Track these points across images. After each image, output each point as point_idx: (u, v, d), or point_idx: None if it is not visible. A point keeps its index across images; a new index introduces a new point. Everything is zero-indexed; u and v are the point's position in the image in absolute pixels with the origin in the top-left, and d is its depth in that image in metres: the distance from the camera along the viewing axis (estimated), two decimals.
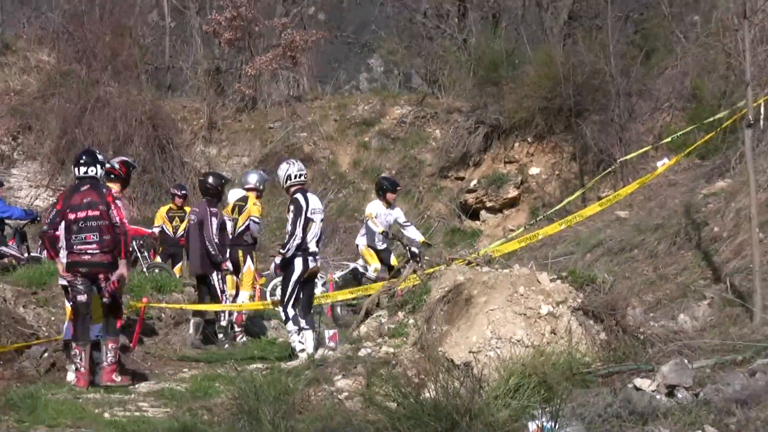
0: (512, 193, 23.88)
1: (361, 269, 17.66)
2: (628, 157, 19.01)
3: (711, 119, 17.10)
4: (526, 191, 23.81)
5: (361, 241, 17.81)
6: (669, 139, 18.35)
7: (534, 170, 23.90)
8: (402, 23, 33.67)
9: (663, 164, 17.17)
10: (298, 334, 12.67)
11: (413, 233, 17.54)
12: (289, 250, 12.74)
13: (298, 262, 12.75)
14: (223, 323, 15.34)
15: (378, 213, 17.36)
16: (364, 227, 17.88)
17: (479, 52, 26.83)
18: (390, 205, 17.59)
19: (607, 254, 14.97)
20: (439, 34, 30.86)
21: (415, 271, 12.62)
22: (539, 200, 23.15)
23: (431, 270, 12.62)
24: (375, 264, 17.56)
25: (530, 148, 24.13)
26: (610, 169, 19.53)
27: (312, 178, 25.33)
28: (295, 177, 13.03)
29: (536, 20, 28.86)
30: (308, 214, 12.74)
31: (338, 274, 18.72)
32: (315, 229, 12.85)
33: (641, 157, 19.38)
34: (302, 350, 12.47)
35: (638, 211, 16.66)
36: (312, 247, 12.84)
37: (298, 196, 12.89)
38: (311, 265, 12.83)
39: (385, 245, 17.55)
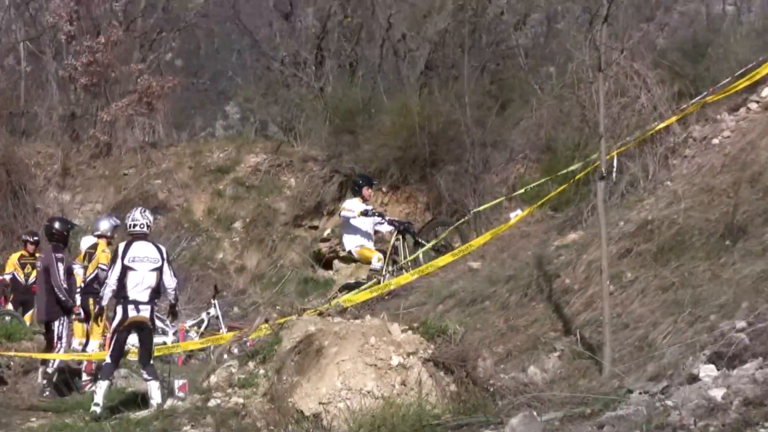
0: None
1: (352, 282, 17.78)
2: (481, 207, 19.05)
3: (565, 171, 17.17)
4: (379, 241, 23.71)
5: (349, 244, 17.89)
6: (522, 190, 18.41)
7: None
8: (259, 71, 33.61)
9: (516, 215, 17.21)
10: (94, 383, 12.78)
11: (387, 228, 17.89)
12: (101, 298, 12.98)
13: (119, 310, 12.61)
14: (50, 370, 15.03)
15: (353, 207, 17.69)
16: (345, 231, 17.97)
17: (336, 100, 26.78)
18: (366, 201, 17.82)
19: (459, 305, 14.84)
20: (296, 82, 30.72)
21: (266, 321, 12.41)
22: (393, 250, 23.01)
23: (283, 320, 12.40)
24: (377, 254, 17.71)
25: (385, 198, 24.02)
26: (463, 220, 19.46)
27: (165, 226, 24.98)
28: (129, 227, 12.96)
29: (393, 70, 28.92)
30: (126, 262, 12.58)
31: (189, 322, 18.37)
32: (137, 278, 12.61)
33: (495, 207, 19.40)
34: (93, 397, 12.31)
35: (491, 262, 16.59)
36: (133, 295, 12.59)
37: (120, 244, 12.91)
38: (131, 314, 12.57)
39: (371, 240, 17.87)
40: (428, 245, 17.84)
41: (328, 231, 24.32)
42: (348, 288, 18.23)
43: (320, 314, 11.74)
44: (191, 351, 17.30)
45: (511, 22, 28.16)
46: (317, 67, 30.86)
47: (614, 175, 15.61)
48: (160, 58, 35.19)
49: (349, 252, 18.20)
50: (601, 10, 10.59)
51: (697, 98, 16.74)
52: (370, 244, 18.02)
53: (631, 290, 12.20)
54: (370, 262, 17.74)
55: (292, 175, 26.96)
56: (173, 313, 14.04)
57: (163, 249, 13.18)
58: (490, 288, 14.74)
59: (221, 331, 18.25)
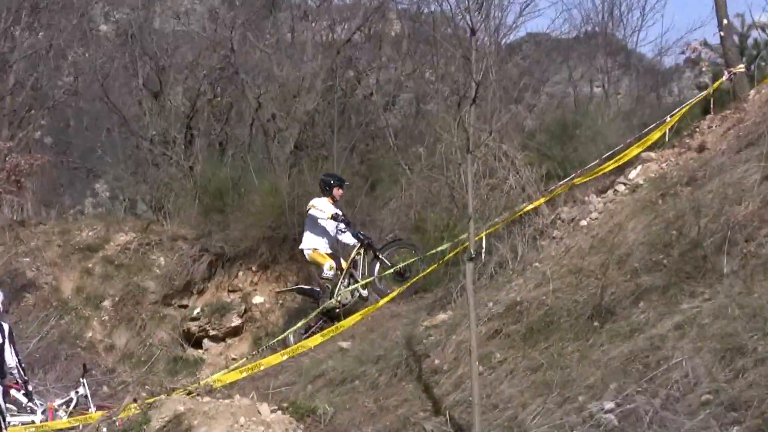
0: (236, 322, 23.43)
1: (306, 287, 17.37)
2: (351, 287, 18.91)
3: (434, 251, 17.23)
4: (249, 320, 23.45)
5: (306, 243, 17.83)
6: (391, 270, 18.34)
7: (258, 299, 23.56)
8: (128, 149, 33.18)
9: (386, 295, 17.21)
10: None
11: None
12: None
13: None
14: None
15: (323, 206, 17.52)
16: (308, 229, 17.69)
17: (205, 179, 26.56)
18: (336, 202, 17.74)
19: (329, 385, 14.69)
20: (165, 160, 30.41)
21: (135, 400, 12.18)
22: (262, 329, 22.79)
23: (152, 399, 12.16)
24: (329, 262, 17.54)
25: (254, 277, 23.82)
26: (370, 279, 19.35)
27: (34, 304, 24.33)
28: None
29: (263, 149, 28.84)
30: None
31: (58, 401, 17.88)
32: None
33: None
34: None
35: (361, 341, 16.48)
36: None
37: None
38: None
39: (330, 247, 17.79)
40: (392, 269, 17.86)
41: (197, 310, 23.96)
42: (301, 292, 18.08)
43: (189, 394, 11.56)
44: (60, 430, 16.79)
45: (380, 103, 28.36)
46: (187, 146, 30.65)
47: (483, 256, 15.66)
48: (29, 136, 34.60)
49: (302, 251, 18.10)
50: (470, 91, 10.63)
51: (565, 180, 16.97)
52: (326, 250, 17.87)
53: (500, 371, 12.16)
54: (321, 268, 17.55)
55: (161, 253, 26.56)
56: (26, 392, 13.62)
57: (6, 326, 12.81)
58: (360, 368, 14.61)
59: (90, 410, 17.75)
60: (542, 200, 16.29)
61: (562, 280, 13.28)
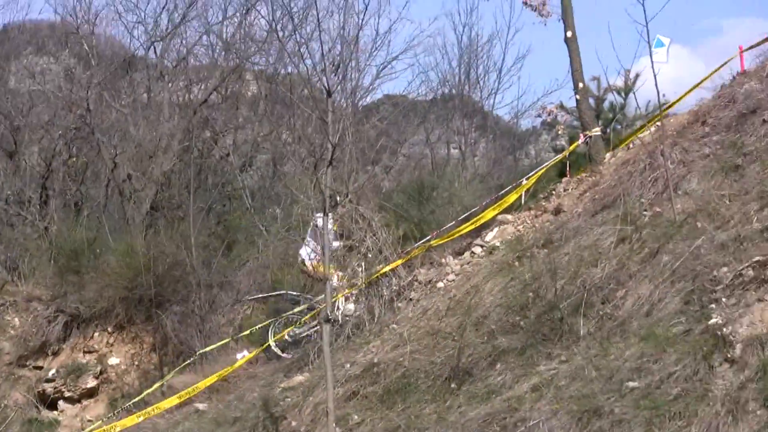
0: (91, 383, 22.82)
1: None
2: (207, 349, 18.68)
3: (290, 312, 17.11)
4: (105, 382, 22.89)
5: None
6: (248, 331, 18.16)
7: (114, 360, 23.04)
8: None
9: (242, 357, 16.97)
10: None
11: None
12: None
13: None
14: None
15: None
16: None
17: (60, 240, 25.95)
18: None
19: None
20: (20, 221, 29.66)
21: None
22: (118, 391, 22.27)
23: None
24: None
25: (110, 338, 23.29)
26: (189, 361, 19.04)
27: None
28: None
29: (119, 209, 28.35)
30: None
31: None
32: None
33: (221, 349, 19.03)
34: None
35: (217, 403, 16.23)
36: None
37: None
38: None
39: None
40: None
41: (53, 371, 23.33)
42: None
43: None
44: None
45: (237, 164, 28.21)
46: (42, 206, 29.95)
47: (340, 317, 15.58)
48: None
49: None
50: (326, 153, 10.57)
51: (422, 241, 17.01)
52: None
53: None
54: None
55: (16, 314, 25.79)
56: None
57: None
58: (217, 430, 14.41)
59: None
60: (399, 262, 16.29)
61: (419, 342, 13.25)
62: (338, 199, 16.35)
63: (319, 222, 17.25)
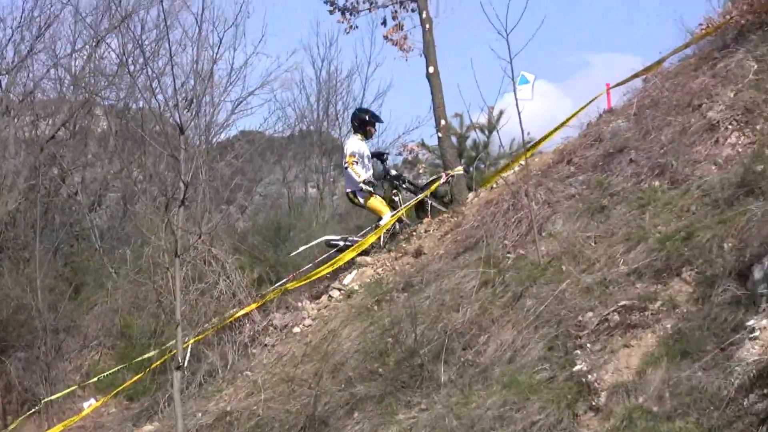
0: None
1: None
2: (53, 396, 18.07)
3: (140, 359, 16.60)
4: None
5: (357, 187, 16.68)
6: (96, 378, 17.60)
7: None
8: None
9: (90, 405, 16.46)
10: None
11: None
12: None
13: None
14: None
15: (360, 151, 16.65)
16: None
17: None
18: (368, 140, 16.91)
19: None
20: None
21: None
22: None
23: None
24: (389, 212, 16.72)
25: None
26: (34, 410, 18.40)
27: None
28: None
29: None
30: None
31: None
32: None
33: (68, 396, 18.45)
34: None
35: None
36: None
37: None
38: None
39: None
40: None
41: None
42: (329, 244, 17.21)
43: None
44: None
45: (85, 203, 27.47)
46: None
47: (191, 364, 15.12)
48: None
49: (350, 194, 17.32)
50: (178, 192, 10.14)
51: (278, 284, 16.69)
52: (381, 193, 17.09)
53: None
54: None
55: None
56: None
57: None
58: None
59: None
60: (254, 306, 15.96)
61: (274, 389, 12.98)
62: (190, 240, 15.90)
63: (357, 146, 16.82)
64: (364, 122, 17.35)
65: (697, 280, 9.04)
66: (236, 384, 14.12)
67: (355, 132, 17.48)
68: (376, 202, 16.99)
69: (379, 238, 16.52)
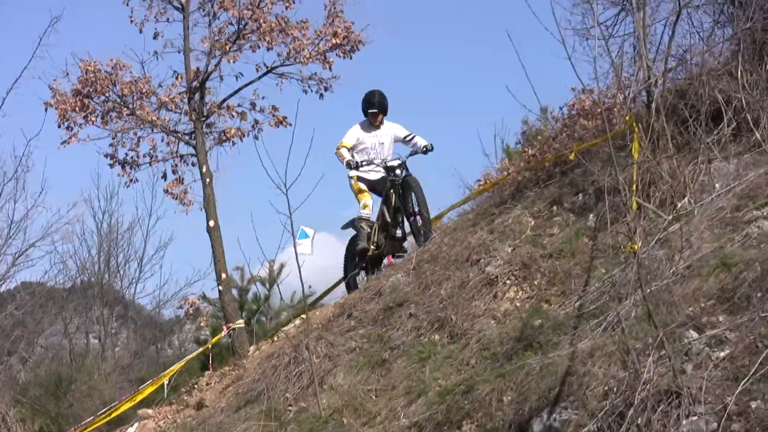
0: None
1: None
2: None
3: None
4: None
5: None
6: None
7: None
8: None
9: None
10: None
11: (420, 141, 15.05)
12: None
13: None
14: None
15: (352, 136, 15.37)
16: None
17: None
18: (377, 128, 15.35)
19: None
20: None
21: None
22: None
23: None
24: (366, 200, 15.07)
25: None
26: None
27: None
28: None
29: None
30: None
31: None
32: None
33: None
34: None
35: None
36: None
37: None
38: None
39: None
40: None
41: None
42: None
43: None
44: None
45: None
46: None
47: None
48: None
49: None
50: None
51: None
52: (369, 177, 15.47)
53: None
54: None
55: None
56: None
57: None
58: None
59: None
60: None
61: None
62: None
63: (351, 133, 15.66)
64: (363, 112, 15.88)
65: None
66: None
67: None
68: (354, 190, 15.66)
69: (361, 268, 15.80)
